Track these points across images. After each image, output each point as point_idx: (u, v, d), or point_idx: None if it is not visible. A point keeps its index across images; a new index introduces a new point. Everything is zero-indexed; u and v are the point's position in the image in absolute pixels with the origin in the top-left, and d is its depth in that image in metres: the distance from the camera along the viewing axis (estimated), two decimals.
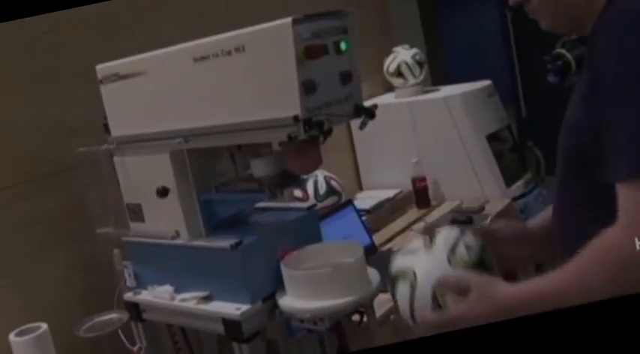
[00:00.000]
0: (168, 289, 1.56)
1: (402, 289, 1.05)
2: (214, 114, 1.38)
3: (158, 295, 1.58)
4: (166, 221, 1.53)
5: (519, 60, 3.28)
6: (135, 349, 1.64)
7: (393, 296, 1.11)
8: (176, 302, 1.53)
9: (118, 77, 1.54)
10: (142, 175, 1.57)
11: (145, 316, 1.64)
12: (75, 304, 1.75)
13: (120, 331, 1.65)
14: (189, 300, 1.50)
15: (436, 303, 1.01)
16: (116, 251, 1.69)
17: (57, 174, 1.77)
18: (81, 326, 1.61)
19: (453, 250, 1.04)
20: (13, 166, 1.70)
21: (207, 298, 1.50)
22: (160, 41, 1.44)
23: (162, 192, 1.49)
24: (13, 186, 1.69)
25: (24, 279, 1.70)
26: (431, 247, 1.06)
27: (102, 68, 1.58)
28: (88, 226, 1.73)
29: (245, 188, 1.58)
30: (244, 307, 1.41)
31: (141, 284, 1.64)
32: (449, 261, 1.03)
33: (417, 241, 1.10)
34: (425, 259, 1.05)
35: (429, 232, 1.10)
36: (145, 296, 1.62)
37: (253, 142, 1.41)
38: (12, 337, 1.56)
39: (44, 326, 1.58)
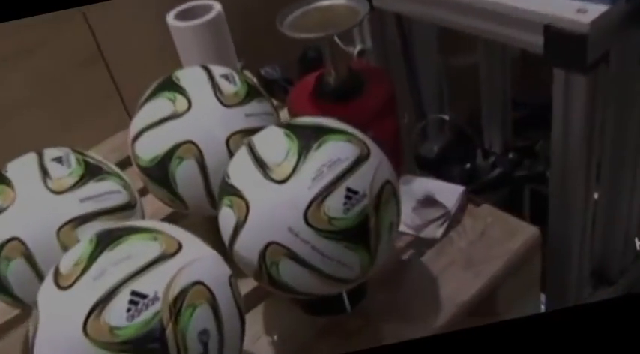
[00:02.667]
0: None
1: None
2: None
3: None
4: None
5: None
6: (355, 51, 1.03)
7: None
8: None
9: None
10: None
11: (375, 2, 0.99)
12: None
13: None
14: None
15: None
16: None
17: None
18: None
19: None
20: None
21: None
22: None
23: None
24: None
25: None
26: None
27: None
28: None
29: None
30: (597, 9, 0.73)
31: None
32: None
33: None
34: None
35: None
36: None
37: None
38: (170, 19, 1.01)
39: (217, 6, 1.00)
